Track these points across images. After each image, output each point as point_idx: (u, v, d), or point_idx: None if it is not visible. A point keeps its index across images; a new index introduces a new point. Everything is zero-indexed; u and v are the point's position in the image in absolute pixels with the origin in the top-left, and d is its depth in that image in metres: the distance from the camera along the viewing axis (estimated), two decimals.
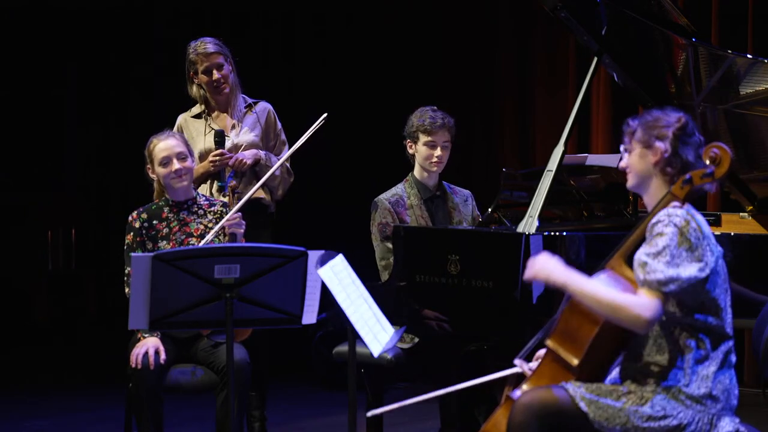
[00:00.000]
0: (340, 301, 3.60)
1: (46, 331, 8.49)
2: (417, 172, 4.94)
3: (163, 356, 4.26)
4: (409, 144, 4.91)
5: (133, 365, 4.23)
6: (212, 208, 4.60)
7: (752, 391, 6.33)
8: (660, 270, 3.18)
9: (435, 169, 4.86)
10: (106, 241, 8.61)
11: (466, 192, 5.04)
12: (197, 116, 5.25)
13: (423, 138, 4.84)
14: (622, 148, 3.40)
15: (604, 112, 6.93)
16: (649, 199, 3.36)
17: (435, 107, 4.93)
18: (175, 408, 5.61)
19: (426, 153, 4.84)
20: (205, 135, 5.18)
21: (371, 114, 7.94)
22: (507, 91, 7.72)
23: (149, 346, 4.25)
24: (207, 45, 5.20)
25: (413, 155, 4.91)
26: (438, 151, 4.83)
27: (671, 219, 3.22)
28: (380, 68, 8.08)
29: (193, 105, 5.32)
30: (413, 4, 8.06)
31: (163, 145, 4.52)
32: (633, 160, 3.36)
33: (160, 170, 4.51)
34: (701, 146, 3.32)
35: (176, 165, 4.50)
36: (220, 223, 4.46)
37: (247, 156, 5.11)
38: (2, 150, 8.72)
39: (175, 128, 5.22)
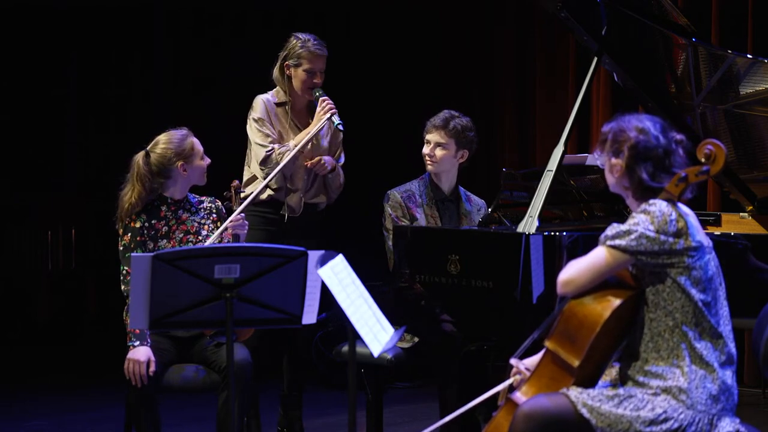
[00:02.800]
0: (340, 301, 3.60)
1: (46, 331, 8.49)
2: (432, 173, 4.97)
3: (152, 368, 4.26)
4: None
5: (133, 382, 4.25)
6: (202, 206, 4.61)
7: (752, 391, 6.34)
8: (614, 227, 3.25)
9: (428, 167, 4.90)
10: (106, 241, 8.59)
11: (482, 201, 5.05)
12: (280, 104, 5.19)
13: (424, 136, 4.90)
14: (596, 152, 3.44)
15: (604, 112, 6.93)
16: (632, 204, 3.38)
17: (451, 110, 4.95)
18: (175, 408, 5.61)
19: (423, 150, 4.90)
20: (288, 129, 5.14)
21: (371, 114, 7.94)
22: (507, 91, 7.73)
23: (141, 362, 4.24)
24: (321, 47, 5.14)
25: None
26: (426, 149, 4.90)
27: (647, 206, 3.25)
28: (380, 69, 8.08)
29: (270, 88, 5.24)
30: (413, 4, 8.06)
31: (197, 140, 4.56)
32: (606, 169, 3.40)
33: (200, 163, 4.53)
34: (668, 155, 3.32)
35: (208, 159, 4.56)
36: (224, 225, 4.46)
37: (329, 162, 5.12)
38: (2, 150, 8.73)
39: (259, 107, 5.13)
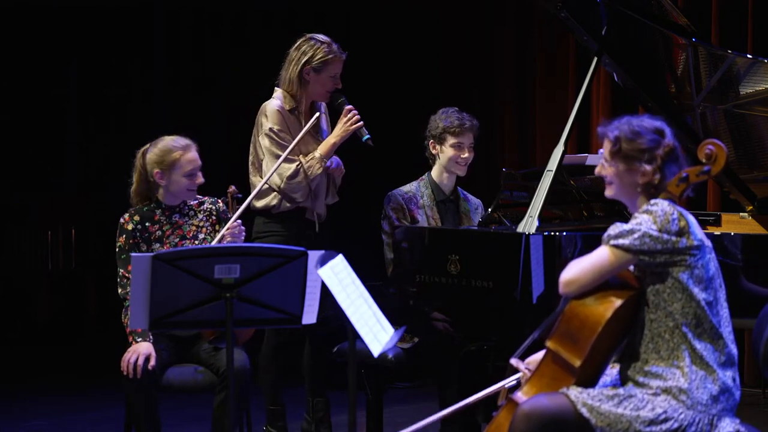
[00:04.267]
0: (340, 301, 3.60)
1: (46, 331, 8.49)
2: (435, 173, 4.95)
3: (152, 363, 4.25)
4: (433, 144, 4.92)
5: (124, 372, 4.24)
6: (202, 207, 4.59)
7: (752, 391, 6.34)
8: (617, 226, 3.25)
9: (460, 171, 4.89)
10: (106, 241, 8.60)
11: (478, 201, 5.05)
12: (291, 111, 4.99)
13: (450, 140, 4.86)
14: (600, 152, 3.42)
15: (604, 112, 6.93)
16: (635, 210, 3.36)
17: (458, 108, 4.94)
18: (175, 408, 5.61)
19: (452, 154, 4.87)
20: (308, 136, 4.96)
21: (371, 114, 7.93)
22: (507, 91, 7.73)
23: (140, 353, 4.24)
24: (342, 51, 4.98)
25: (435, 156, 4.93)
26: (465, 153, 4.87)
27: (649, 206, 3.25)
28: (379, 69, 8.08)
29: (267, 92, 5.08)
30: (413, 4, 8.06)
31: (191, 156, 4.48)
32: (615, 174, 3.35)
33: (181, 180, 4.46)
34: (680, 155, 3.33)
35: (200, 179, 4.50)
36: (221, 232, 4.44)
37: (341, 163, 5.05)
38: (2, 150, 8.73)
39: (276, 117, 4.92)
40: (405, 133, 4.99)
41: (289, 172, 4.88)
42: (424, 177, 4.96)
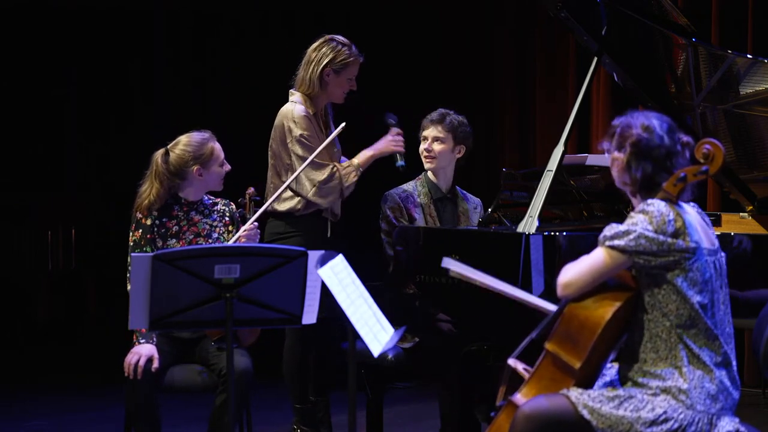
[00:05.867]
0: (340, 301, 3.60)
1: (46, 331, 8.50)
2: (430, 171, 4.96)
3: (155, 365, 4.24)
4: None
5: (126, 373, 4.23)
6: (216, 208, 4.59)
7: (752, 391, 6.34)
8: (613, 227, 3.25)
9: (426, 164, 4.90)
10: (106, 241, 8.61)
11: (477, 200, 5.05)
12: (314, 115, 5.01)
13: (421, 134, 4.90)
14: (604, 143, 3.44)
15: (604, 112, 6.93)
16: (635, 202, 3.38)
17: (445, 108, 4.96)
18: (176, 408, 5.61)
19: (420, 147, 4.89)
20: (324, 136, 5.00)
21: (371, 114, 7.93)
22: (507, 91, 7.73)
23: (142, 354, 4.23)
24: (361, 54, 5.06)
25: None
26: (425, 144, 4.89)
27: (645, 206, 3.25)
28: (379, 69, 8.07)
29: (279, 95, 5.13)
30: (413, 4, 8.07)
31: (218, 145, 4.52)
32: (609, 162, 3.41)
33: (218, 170, 4.48)
34: (671, 156, 3.32)
35: (227, 165, 4.52)
36: (237, 234, 4.43)
37: None
38: (2, 150, 8.73)
39: (305, 122, 4.92)
40: (405, 134, 4.99)
41: (322, 177, 4.90)
42: (421, 176, 4.97)
